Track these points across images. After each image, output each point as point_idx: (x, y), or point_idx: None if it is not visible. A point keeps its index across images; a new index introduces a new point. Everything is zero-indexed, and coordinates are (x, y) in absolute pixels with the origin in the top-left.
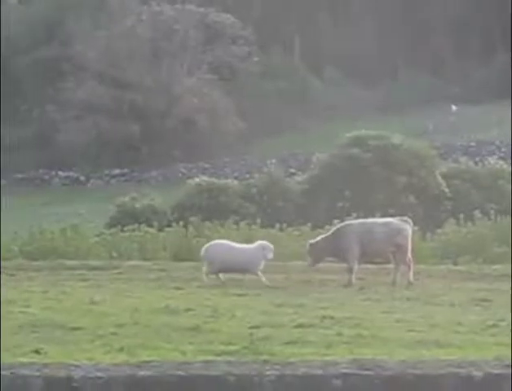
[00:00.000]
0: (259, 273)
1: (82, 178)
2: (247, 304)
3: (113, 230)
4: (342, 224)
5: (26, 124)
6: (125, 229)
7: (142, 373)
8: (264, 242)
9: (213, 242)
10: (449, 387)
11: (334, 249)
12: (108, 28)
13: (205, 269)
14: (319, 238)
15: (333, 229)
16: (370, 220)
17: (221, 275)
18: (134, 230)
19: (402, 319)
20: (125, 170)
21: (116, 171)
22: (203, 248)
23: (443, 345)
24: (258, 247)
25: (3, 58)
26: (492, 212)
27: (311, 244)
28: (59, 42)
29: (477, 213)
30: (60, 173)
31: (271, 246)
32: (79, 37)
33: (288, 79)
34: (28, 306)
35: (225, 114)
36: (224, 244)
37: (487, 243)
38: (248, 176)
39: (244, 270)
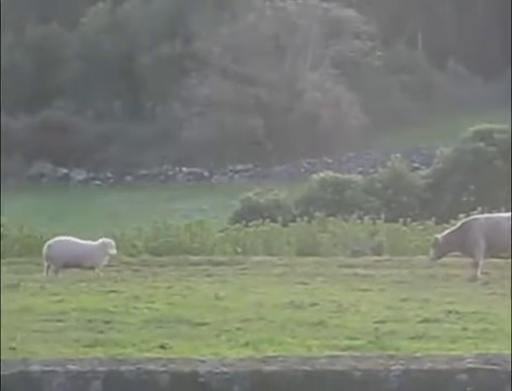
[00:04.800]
0: (97, 270)
1: (206, 174)
2: (372, 299)
3: (238, 225)
4: (468, 218)
5: (150, 120)
6: (250, 224)
7: (267, 368)
8: (106, 239)
9: (55, 239)
10: None
11: (460, 243)
12: (230, 24)
13: (47, 265)
14: (446, 232)
15: (460, 223)
16: (496, 214)
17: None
18: (258, 225)
19: None
20: (249, 166)
21: (240, 166)
22: (45, 245)
23: None
24: (100, 244)
25: (128, 55)
26: None
27: (437, 238)
28: (182, 39)
29: None
30: (184, 168)
31: (113, 242)
32: (202, 33)
33: (411, 73)
34: (153, 302)
35: (348, 109)
36: (67, 241)
37: None
38: (372, 171)
39: (87, 266)
